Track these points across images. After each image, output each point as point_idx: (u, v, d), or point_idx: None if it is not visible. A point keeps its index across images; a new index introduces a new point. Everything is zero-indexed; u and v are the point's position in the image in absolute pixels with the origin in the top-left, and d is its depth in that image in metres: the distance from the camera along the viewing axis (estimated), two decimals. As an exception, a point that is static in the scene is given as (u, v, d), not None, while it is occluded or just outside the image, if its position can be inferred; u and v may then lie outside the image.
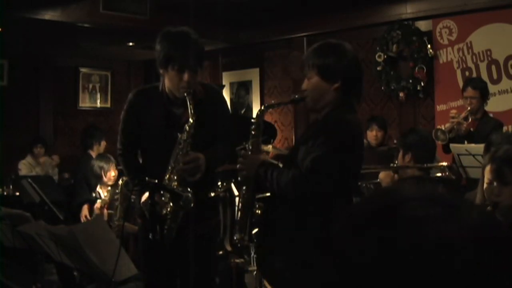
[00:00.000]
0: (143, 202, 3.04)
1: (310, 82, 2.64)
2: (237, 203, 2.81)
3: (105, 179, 5.61)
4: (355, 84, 2.65)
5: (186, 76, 2.99)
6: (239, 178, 2.77)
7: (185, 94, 2.99)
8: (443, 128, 5.01)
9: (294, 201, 2.57)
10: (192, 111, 2.97)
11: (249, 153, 2.72)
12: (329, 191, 2.50)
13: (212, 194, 2.91)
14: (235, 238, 2.73)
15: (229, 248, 2.77)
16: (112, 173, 5.59)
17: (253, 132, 2.78)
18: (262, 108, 2.82)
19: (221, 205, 2.83)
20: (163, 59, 3.04)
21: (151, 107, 3.15)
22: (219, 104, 3.24)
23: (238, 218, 2.73)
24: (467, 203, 0.75)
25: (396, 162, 3.76)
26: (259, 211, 2.76)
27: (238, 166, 2.70)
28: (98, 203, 5.37)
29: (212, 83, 8.39)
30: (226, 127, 3.22)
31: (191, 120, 2.97)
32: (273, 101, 2.86)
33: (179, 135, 3.00)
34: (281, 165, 2.71)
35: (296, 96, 2.78)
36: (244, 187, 2.75)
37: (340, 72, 2.59)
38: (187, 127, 2.98)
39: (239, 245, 2.73)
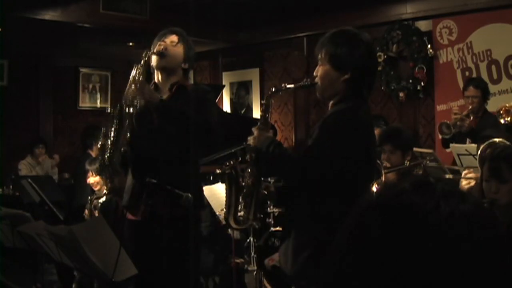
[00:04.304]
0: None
1: (322, 69, 2.62)
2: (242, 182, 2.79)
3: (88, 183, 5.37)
4: (365, 76, 2.63)
5: None
6: (247, 156, 2.74)
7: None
8: (448, 122, 4.99)
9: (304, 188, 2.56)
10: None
11: (259, 129, 2.68)
12: (327, 176, 2.46)
13: (218, 171, 2.87)
14: (239, 215, 2.72)
15: (233, 224, 2.75)
16: (91, 180, 4.96)
17: (262, 112, 2.81)
18: (273, 90, 2.83)
19: (227, 182, 2.79)
20: None
21: None
22: (191, 105, 3.11)
23: (244, 195, 2.71)
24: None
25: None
26: (265, 191, 2.75)
27: (248, 141, 2.68)
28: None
29: (212, 83, 8.43)
30: (196, 128, 3.10)
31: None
32: (283, 84, 2.84)
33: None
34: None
35: (307, 82, 2.76)
36: (251, 166, 2.72)
37: (351, 63, 2.56)
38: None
39: (242, 222, 2.73)
